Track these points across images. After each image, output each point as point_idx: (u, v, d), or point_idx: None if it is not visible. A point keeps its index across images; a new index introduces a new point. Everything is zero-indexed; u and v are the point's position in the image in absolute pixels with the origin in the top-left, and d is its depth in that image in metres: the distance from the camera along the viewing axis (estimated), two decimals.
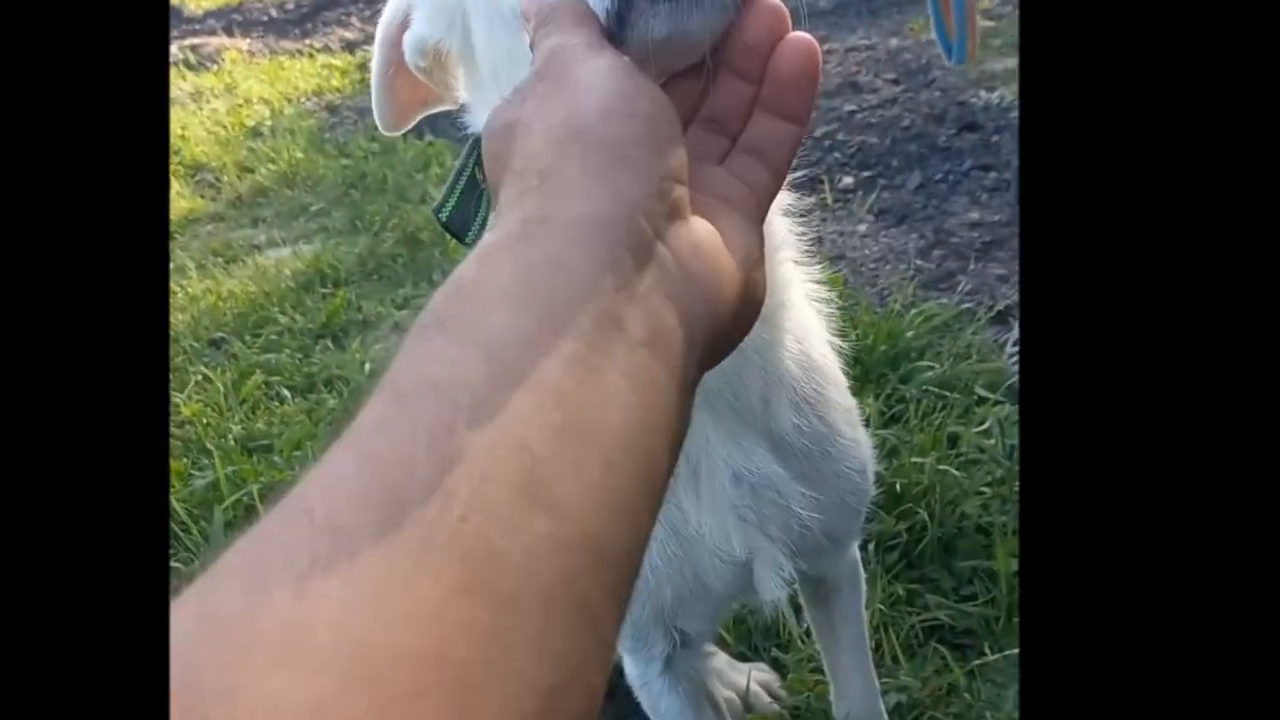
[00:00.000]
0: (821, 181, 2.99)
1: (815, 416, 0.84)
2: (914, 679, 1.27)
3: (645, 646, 0.90)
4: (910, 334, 1.92)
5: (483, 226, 0.73)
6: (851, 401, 0.91)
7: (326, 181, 3.61)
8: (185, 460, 1.90)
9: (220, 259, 3.12)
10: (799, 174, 2.52)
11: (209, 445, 1.91)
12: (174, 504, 1.70)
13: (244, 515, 1.67)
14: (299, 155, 3.82)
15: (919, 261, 2.49)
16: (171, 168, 3.98)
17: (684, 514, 0.81)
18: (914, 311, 2.01)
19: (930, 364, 1.81)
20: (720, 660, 1.37)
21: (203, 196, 3.71)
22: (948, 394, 1.73)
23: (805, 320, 0.85)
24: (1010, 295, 2.22)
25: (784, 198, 0.81)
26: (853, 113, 3.32)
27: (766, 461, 0.81)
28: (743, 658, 1.40)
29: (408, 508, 0.31)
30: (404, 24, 0.79)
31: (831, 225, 2.77)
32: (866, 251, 2.60)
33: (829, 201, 2.88)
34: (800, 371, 0.82)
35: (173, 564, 1.59)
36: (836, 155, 3.13)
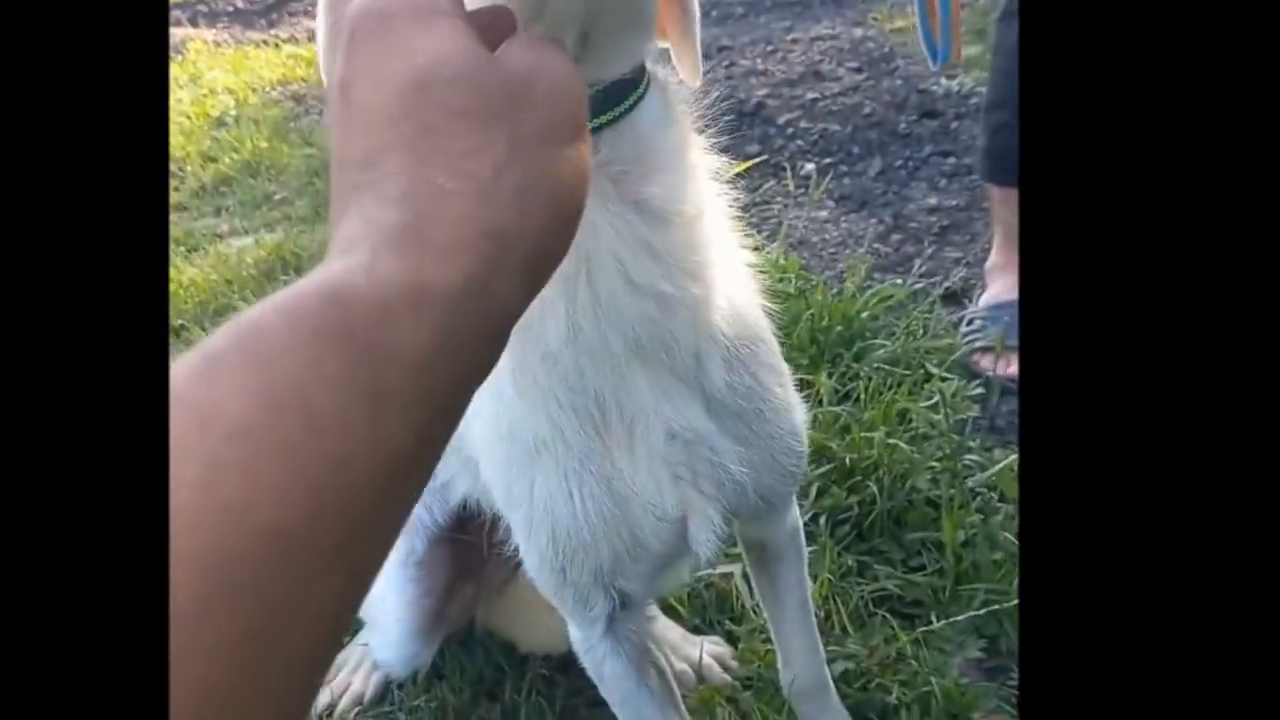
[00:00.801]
0: (783, 168, 3.01)
1: (748, 375, 0.85)
2: (861, 647, 1.30)
3: (586, 608, 0.91)
4: (865, 314, 1.94)
5: None
6: (784, 366, 0.93)
7: (290, 170, 3.59)
8: None
9: (182, 248, 3.09)
10: (759, 159, 2.54)
11: None
12: None
13: None
14: (263, 144, 3.80)
15: (877, 245, 2.52)
16: None
17: (619, 470, 0.82)
18: (869, 292, 2.04)
19: (883, 342, 1.84)
20: (674, 633, 1.38)
21: None
22: (899, 371, 1.76)
23: (737, 281, 0.86)
24: (963, 275, 2.26)
25: (712, 160, 0.82)
26: (815, 100, 3.35)
27: (700, 418, 0.82)
28: (696, 630, 1.42)
29: None
30: None
31: (793, 210, 2.79)
32: (826, 236, 2.62)
33: (790, 188, 2.90)
34: (733, 330, 0.83)
35: None
36: (799, 142, 3.15)
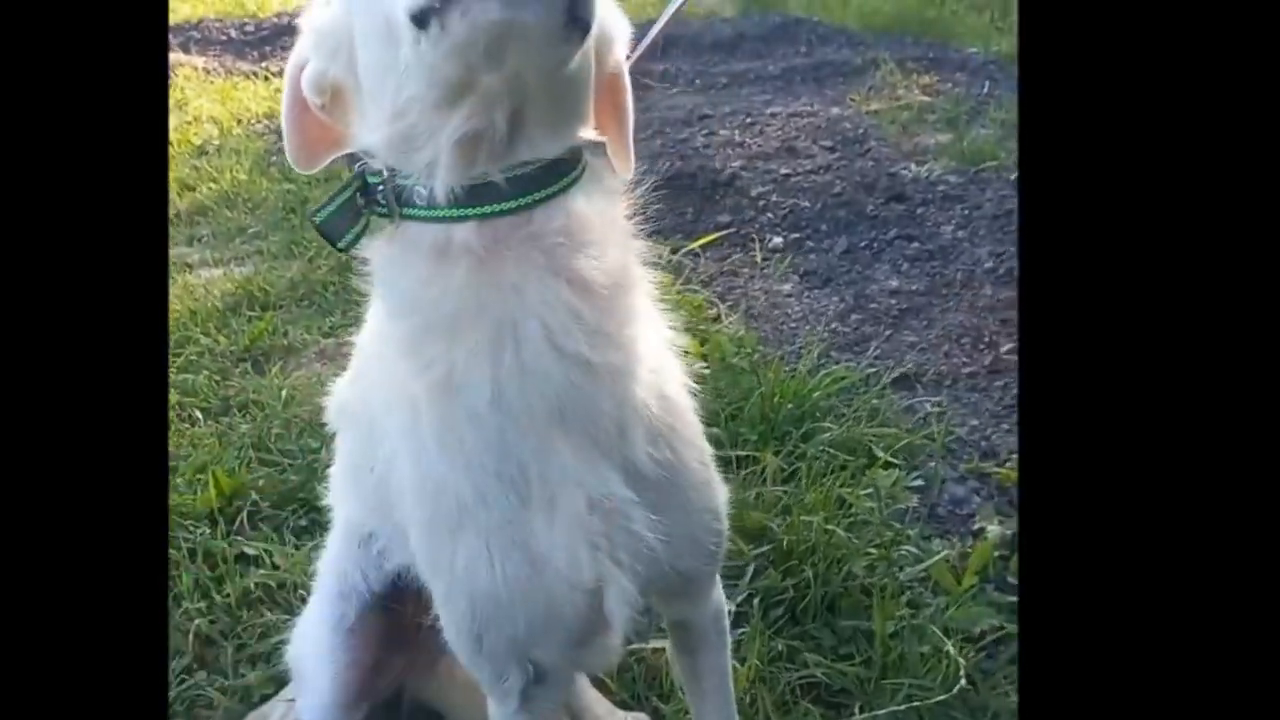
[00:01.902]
0: (752, 240, 3.07)
1: (669, 449, 0.87)
2: None
3: (500, 680, 0.92)
4: (816, 393, 1.98)
5: (357, 239, 0.79)
6: (706, 445, 0.95)
7: (267, 205, 3.60)
8: None
9: None
10: (728, 231, 2.57)
11: None
12: None
13: None
14: (242, 177, 3.82)
15: (836, 325, 2.57)
16: None
17: (536, 538, 0.84)
18: (823, 373, 2.08)
19: (831, 426, 1.87)
20: (601, 707, 1.39)
21: None
22: (842, 456, 1.79)
23: (661, 356, 0.89)
24: (916, 360, 2.31)
25: (640, 245, 0.86)
26: (788, 176, 3.43)
27: (620, 487, 0.84)
28: (623, 705, 1.42)
29: None
30: (306, 63, 0.83)
31: (758, 282, 2.85)
32: (789, 311, 2.67)
33: (758, 259, 2.96)
34: (656, 404, 0.85)
35: None
36: (769, 215, 3.22)
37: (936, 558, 1.57)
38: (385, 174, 0.77)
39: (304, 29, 0.83)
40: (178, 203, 3.68)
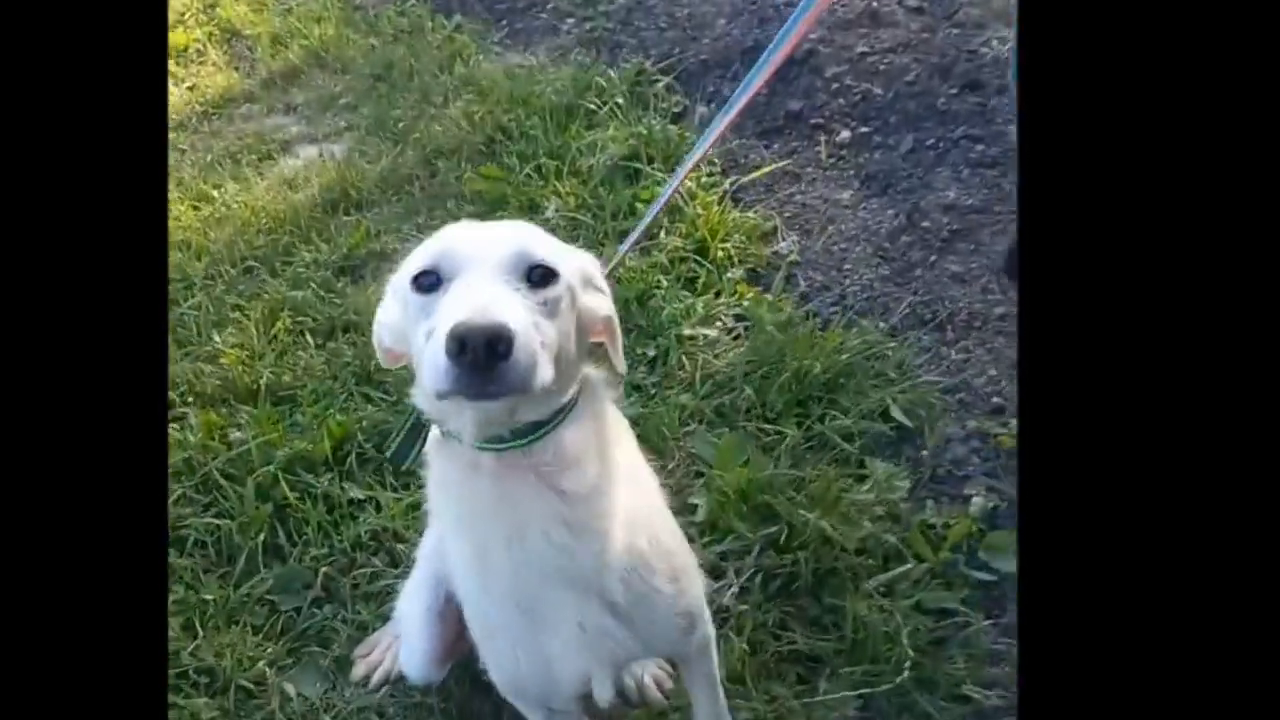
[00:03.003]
0: (821, 130, 3.13)
1: (643, 585, 1.17)
2: (763, 705, 1.67)
3: (532, 712, 1.32)
4: (845, 358, 2.20)
5: (417, 456, 1.08)
6: (681, 549, 1.25)
7: (355, 67, 3.75)
8: (224, 412, 2.27)
9: (253, 155, 3.36)
10: (784, 163, 2.67)
11: (243, 403, 2.29)
12: (212, 465, 2.09)
13: (272, 483, 2.06)
14: (330, 31, 3.93)
15: (885, 246, 2.71)
16: (207, 28, 4.12)
17: (546, 647, 1.17)
18: (854, 333, 2.28)
19: (856, 395, 2.11)
20: None
21: (237, 70, 3.88)
22: (864, 423, 2.05)
23: (638, 511, 1.16)
24: (952, 298, 2.47)
25: (625, 425, 1.13)
26: (864, 55, 3.38)
27: (600, 615, 1.16)
28: None
29: None
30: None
31: (820, 188, 2.95)
32: (843, 228, 2.80)
33: (823, 157, 3.04)
34: (626, 556, 1.14)
35: (212, 520, 2.01)
36: (840, 102, 3.24)
37: (913, 528, 1.85)
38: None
39: (376, 323, 1.10)
40: (270, 62, 3.86)
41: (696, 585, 1.30)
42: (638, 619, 1.18)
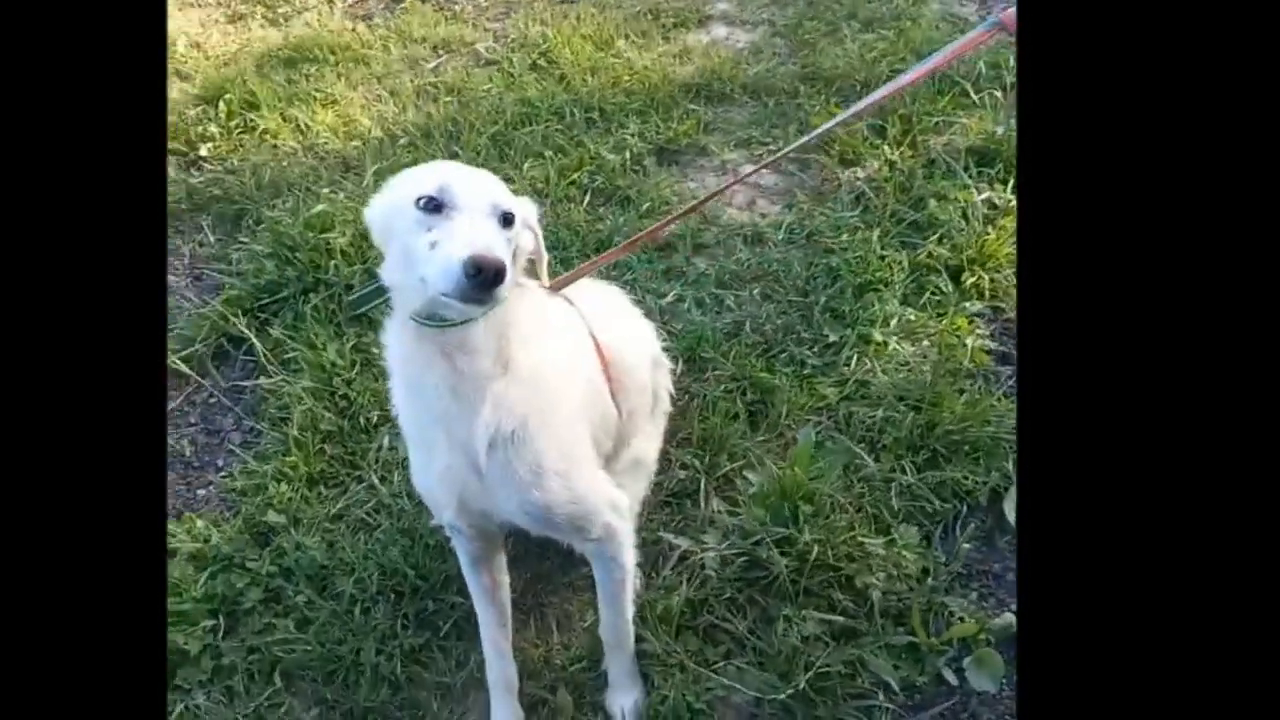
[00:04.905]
0: None
1: (501, 457, 1.45)
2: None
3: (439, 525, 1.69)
4: (981, 418, 2.12)
5: (372, 307, 1.48)
6: (549, 459, 1.48)
7: None
8: None
9: (671, 18, 3.72)
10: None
11: None
12: None
13: None
14: None
15: None
16: None
17: (429, 465, 1.52)
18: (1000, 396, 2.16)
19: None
20: None
21: None
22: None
23: (542, 398, 1.47)
24: None
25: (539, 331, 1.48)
26: None
27: (465, 469, 1.47)
28: None
29: None
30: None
31: None
32: None
33: None
34: (490, 432, 1.43)
35: None
36: None
37: (926, 598, 1.86)
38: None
39: (367, 213, 1.44)
40: None
41: (570, 492, 1.53)
42: (493, 485, 1.48)
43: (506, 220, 1.34)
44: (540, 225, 1.50)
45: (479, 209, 1.31)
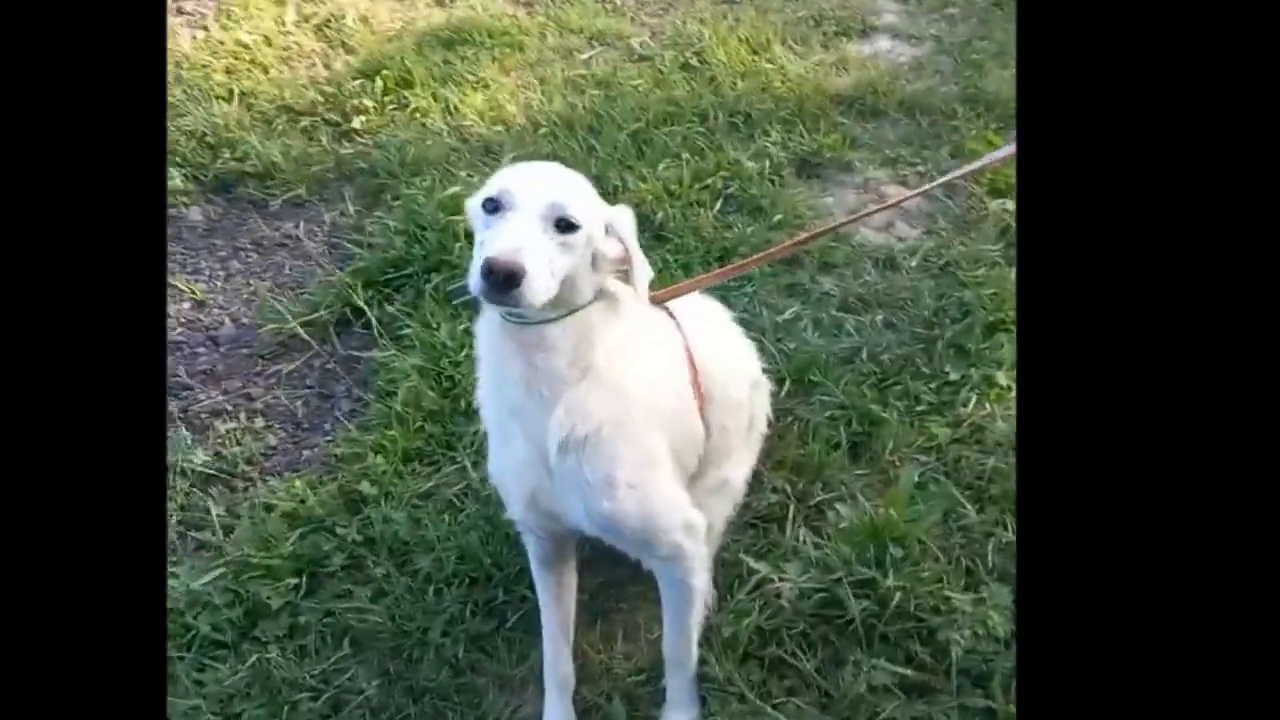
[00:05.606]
0: None
1: (573, 460, 1.44)
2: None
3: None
4: None
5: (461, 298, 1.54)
6: (623, 470, 1.46)
7: None
8: None
9: (834, 26, 3.62)
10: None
11: None
12: None
13: None
14: None
15: None
16: None
17: (504, 453, 1.54)
18: None
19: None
20: None
21: None
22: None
23: (629, 410, 1.46)
24: None
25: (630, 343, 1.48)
26: None
27: (535, 463, 1.48)
28: None
29: None
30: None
31: None
32: None
33: None
34: (582, 429, 1.42)
35: None
36: None
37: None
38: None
39: (466, 209, 1.45)
40: None
41: (641, 506, 1.50)
42: (562, 488, 1.48)
43: (563, 225, 1.33)
44: (634, 234, 1.46)
45: (531, 212, 1.32)
